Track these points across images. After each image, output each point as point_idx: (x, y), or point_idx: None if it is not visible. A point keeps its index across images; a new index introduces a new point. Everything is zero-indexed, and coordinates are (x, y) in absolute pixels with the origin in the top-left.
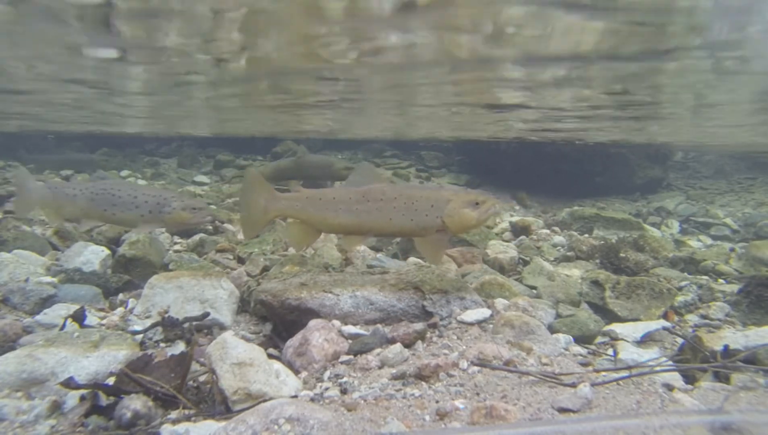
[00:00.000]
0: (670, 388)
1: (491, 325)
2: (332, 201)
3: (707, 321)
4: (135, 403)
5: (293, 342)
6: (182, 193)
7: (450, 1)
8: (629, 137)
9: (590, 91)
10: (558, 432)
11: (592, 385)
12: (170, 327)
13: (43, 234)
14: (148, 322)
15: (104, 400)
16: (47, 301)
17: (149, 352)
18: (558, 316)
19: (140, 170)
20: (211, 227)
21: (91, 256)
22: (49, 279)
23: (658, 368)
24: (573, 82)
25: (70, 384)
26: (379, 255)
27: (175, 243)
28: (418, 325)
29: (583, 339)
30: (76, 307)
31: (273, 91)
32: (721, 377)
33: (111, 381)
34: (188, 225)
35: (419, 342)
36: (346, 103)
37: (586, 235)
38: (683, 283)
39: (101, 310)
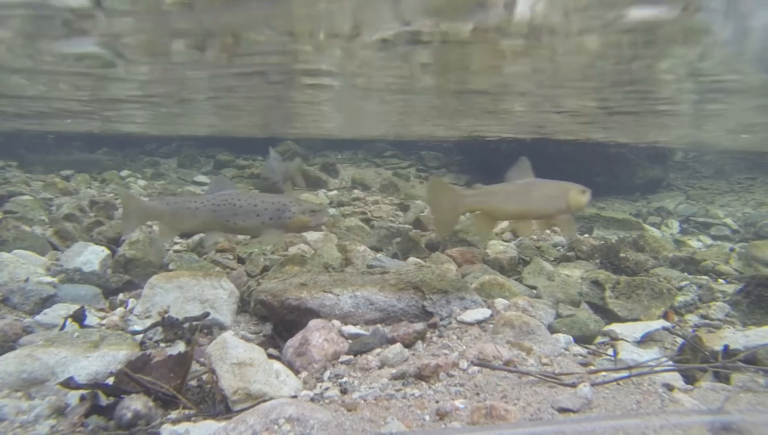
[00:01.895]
0: (670, 388)
1: (491, 325)
2: (505, 193)
3: (707, 321)
4: (135, 403)
5: (293, 342)
6: (299, 199)
7: None
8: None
9: None
10: (558, 432)
11: (592, 385)
12: (170, 327)
13: (43, 234)
14: (148, 322)
15: (104, 400)
16: (47, 301)
17: (148, 352)
18: (558, 316)
19: (140, 170)
20: None
21: (91, 256)
22: (49, 279)
23: (658, 368)
24: None
25: (70, 384)
26: (379, 255)
27: (175, 243)
28: (418, 325)
29: (583, 339)
30: (76, 307)
31: None
32: (721, 377)
33: (111, 381)
34: (308, 228)
35: (419, 342)
36: None
37: (586, 235)
38: (683, 283)
39: (101, 310)
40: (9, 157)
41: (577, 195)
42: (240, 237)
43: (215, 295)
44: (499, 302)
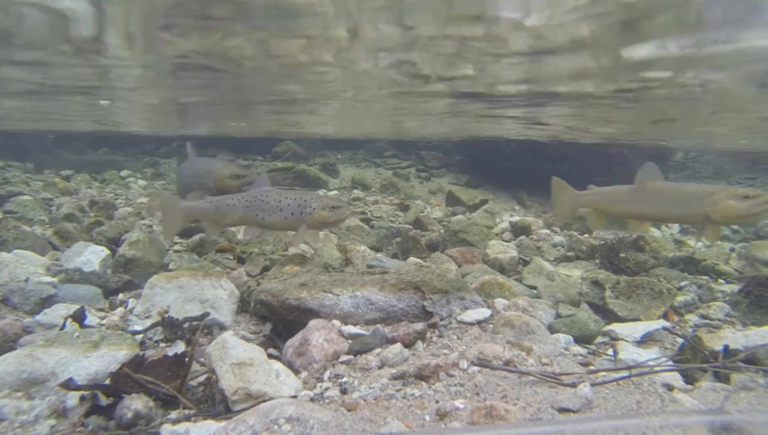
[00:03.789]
0: (670, 388)
1: (491, 325)
2: (617, 194)
3: (707, 321)
4: (136, 403)
5: (293, 342)
6: (321, 195)
7: None
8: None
9: None
10: (558, 432)
11: (592, 385)
12: (170, 327)
13: (43, 234)
14: (148, 322)
15: (104, 400)
16: (47, 301)
17: (142, 352)
18: (558, 316)
19: (140, 170)
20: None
21: (91, 256)
22: (49, 279)
23: (658, 368)
24: None
25: (69, 385)
26: (379, 255)
27: (175, 243)
28: (418, 325)
29: (583, 339)
30: (76, 307)
31: None
32: (721, 377)
33: (107, 381)
34: (328, 224)
35: (419, 342)
36: None
37: (586, 235)
38: (683, 283)
39: (101, 310)
40: (20, 159)
41: (725, 201)
42: (239, 236)
43: (215, 295)
44: (499, 302)
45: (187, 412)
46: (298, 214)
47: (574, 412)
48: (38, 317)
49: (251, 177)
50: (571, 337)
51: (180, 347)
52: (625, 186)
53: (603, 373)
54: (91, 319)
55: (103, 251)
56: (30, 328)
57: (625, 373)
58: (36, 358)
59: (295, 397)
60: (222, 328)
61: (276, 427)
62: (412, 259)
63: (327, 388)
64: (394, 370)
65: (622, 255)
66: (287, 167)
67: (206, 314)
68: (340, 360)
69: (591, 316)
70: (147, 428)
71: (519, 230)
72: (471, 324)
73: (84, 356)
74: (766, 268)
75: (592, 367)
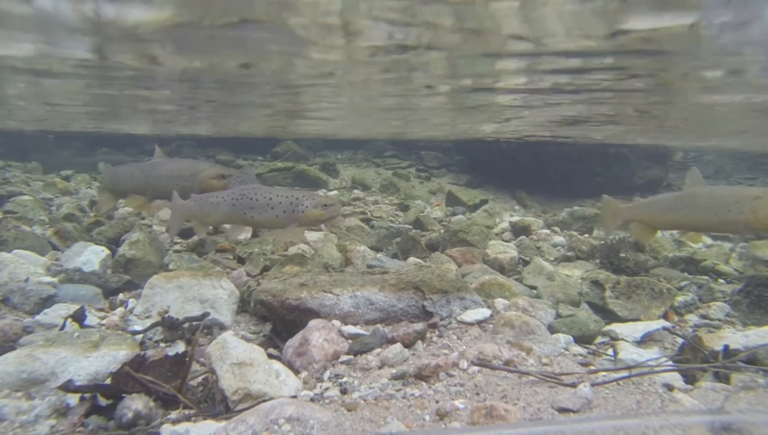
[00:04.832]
0: (670, 388)
1: (491, 325)
2: (659, 204)
3: (707, 321)
4: (136, 403)
5: (293, 342)
6: (313, 193)
7: None
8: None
9: None
10: (558, 432)
11: (592, 385)
12: (170, 327)
13: (43, 234)
14: (148, 322)
15: (103, 400)
16: (47, 301)
17: (143, 353)
18: (558, 316)
19: None
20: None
21: (91, 256)
22: (49, 279)
23: (658, 368)
24: None
25: (69, 387)
26: (379, 255)
27: (176, 243)
28: (418, 325)
29: (583, 339)
30: (76, 307)
31: None
32: (721, 377)
33: (108, 382)
34: (321, 221)
35: (419, 342)
36: None
37: (586, 235)
38: (683, 283)
39: (101, 310)
40: (19, 158)
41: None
42: (240, 236)
43: (215, 295)
44: (499, 302)
45: (187, 412)
46: (290, 212)
47: (574, 412)
48: (38, 317)
49: (235, 177)
50: (571, 337)
51: (180, 347)
52: (668, 194)
53: (603, 373)
54: (91, 319)
55: (103, 251)
56: (30, 328)
57: (625, 373)
58: (36, 358)
59: (295, 397)
60: (222, 328)
61: (276, 427)
62: (412, 259)
63: (327, 388)
64: (394, 370)
65: (622, 255)
66: (287, 167)
67: (206, 314)
68: (340, 360)
69: (591, 316)
70: (147, 428)
71: (519, 230)
72: (471, 324)
73: (84, 356)
74: (766, 268)
75: (592, 367)
